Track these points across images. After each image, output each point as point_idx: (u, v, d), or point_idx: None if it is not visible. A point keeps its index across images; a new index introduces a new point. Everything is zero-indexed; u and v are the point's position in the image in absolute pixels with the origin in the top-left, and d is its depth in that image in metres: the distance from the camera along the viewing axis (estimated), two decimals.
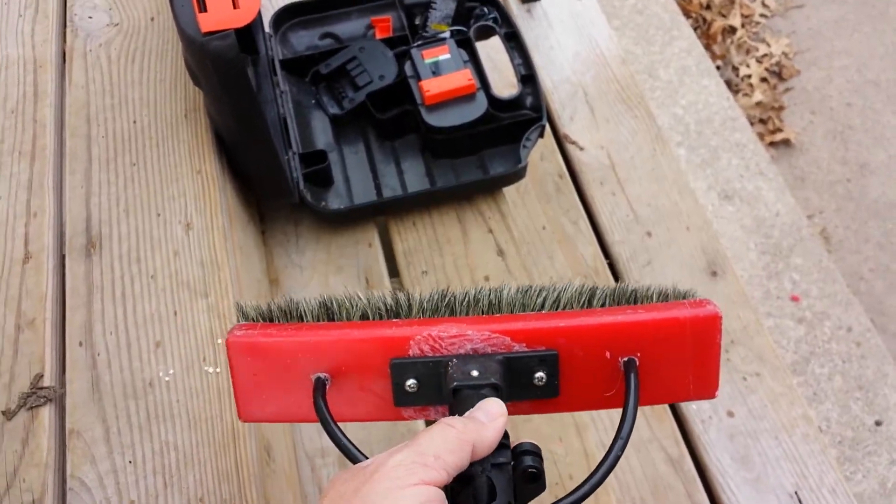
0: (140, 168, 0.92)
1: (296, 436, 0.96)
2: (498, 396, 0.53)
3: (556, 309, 0.58)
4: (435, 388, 0.57)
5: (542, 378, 0.57)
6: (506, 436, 0.52)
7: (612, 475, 1.11)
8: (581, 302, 0.59)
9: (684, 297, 0.58)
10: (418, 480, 0.45)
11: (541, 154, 1.36)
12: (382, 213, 1.13)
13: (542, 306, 0.58)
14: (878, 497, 1.36)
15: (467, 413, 0.51)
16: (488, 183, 1.13)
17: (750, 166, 1.82)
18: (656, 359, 0.57)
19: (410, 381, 0.57)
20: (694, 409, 1.14)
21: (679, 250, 1.27)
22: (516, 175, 1.13)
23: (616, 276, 1.25)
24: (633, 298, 0.59)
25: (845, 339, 1.53)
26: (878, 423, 1.45)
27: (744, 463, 1.11)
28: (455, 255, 1.09)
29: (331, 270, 1.08)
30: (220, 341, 0.79)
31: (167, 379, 0.78)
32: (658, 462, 1.12)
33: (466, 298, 0.59)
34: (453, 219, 1.13)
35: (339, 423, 0.56)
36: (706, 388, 0.59)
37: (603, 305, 0.59)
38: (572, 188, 1.34)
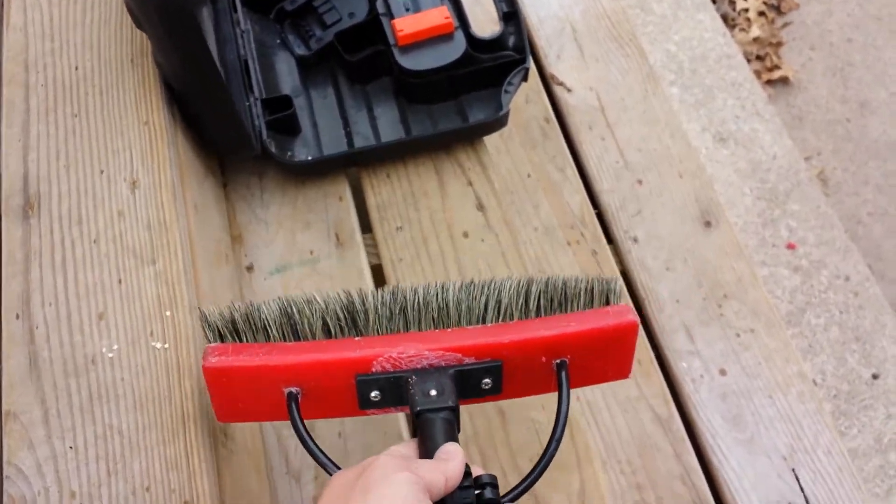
0: (82, 119, 0.84)
1: None
2: (454, 418, 0.64)
3: (498, 309, 0.69)
4: (396, 396, 0.67)
5: (488, 383, 0.68)
6: (466, 465, 0.60)
7: (597, 436, 1.06)
8: (519, 302, 0.69)
9: (608, 293, 0.71)
10: (407, 470, 0.54)
11: (526, 96, 1.27)
12: (354, 165, 1.05)
13: (486, 308, 0.69)
14: (874, 452, 1.33)
15: (434, 458, 0.60)
16: (468, 131, 1.05)
17: (746, 106, 1.73)
18: (583, 358, 0.70)
19: (374, 393, 0.66)
20: (684, 368, 1.09)
21: (671, 198, 1.20)
22: (498, 123, 1.05)
23: (605, 227, 1.18)
24: (564, 294, 0.70)
25: (843, 288, 1.47)
26: (874, 377, 1.40)
27: (736, 423, 1.06)
28: (432, 210, 1.02)
29: (298, 226, 1.01)
30: (168, 313, 0.73)
31: (111, 355, 0.72)
32: (645, 422, 1.07)
33: (417, 301, 0.69)
34: (430, 170, 1.05)
35: (312, 436, 0.65)
36: (621, 373, 0.74)
37: (538, 303, 0.70)
38: (559, 133, 1.26)
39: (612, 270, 1.13)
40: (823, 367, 1.42)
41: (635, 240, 1.16)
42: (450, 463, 0.57)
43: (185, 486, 0.66)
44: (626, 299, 1.12)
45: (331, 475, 0.60)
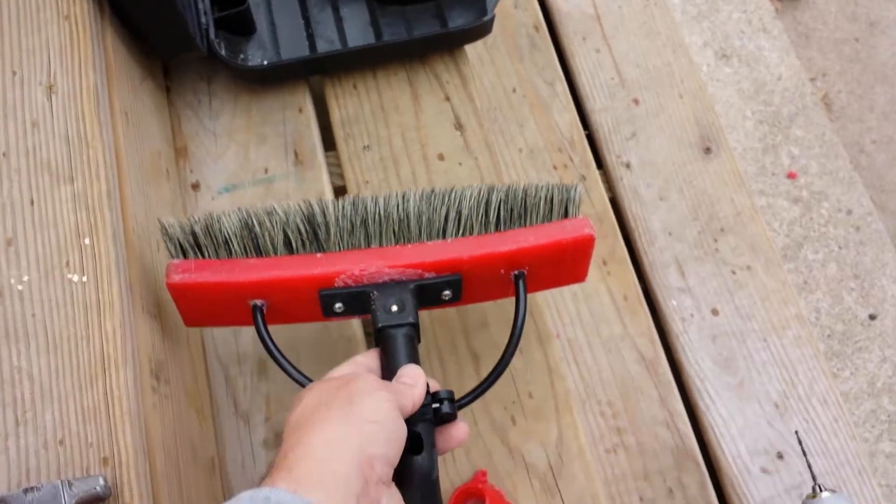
0: None
1: (207, 341, 0.82)
2: (415, 333, 0.66)
3: (458, 221, 0.70)
4: (358, 308, 0.68)
5: (448, 294, 0.70)
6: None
7: (577, 375, 0.99)
8: (479, 213, 0.70)
9: (567, 203, 0.71)
10: (386, 390, 0.58)
11: (514, 1, 1.15)
12: (317, 72, 0.94)
13: (446, 220, 0.69)
14: (866, 396, 1.27)
15: (395, 380, 0.61)
16: (447, 38, 0.93)
17: (752, 21, 1.61)
18: (540, 268, 0.72)
19: (338, 305, 0.68)
20: (674, 306, 1.01)
21: (669, 121, 1.09)
22: (482, 29, 0.93)
23: (595, 150, 1.08)
24: (524, 204, 0.70)
25: (844, 222, 1.39)
26: (871, 317, 1.33)
27: (726, 366, 0.99)
28: (404, 127, 0.91)
29: (252, 139, 0.90)
30: (87, 241, 0.62)
31: (20, 287, 0.62)
32: (629, 362, 0.99)
33: (378, 213, 0.68)
34: (403, 81, 0.94)
35: (278, 347, 0.67)
36: (578, 279, 0.76)
37: (498, 214, 0.70)
38: (550, 43, 1.14)
39: (600, 197, 1.04)
40: (818, 305, 1.34)
41: (628, 165, 1.06)
42: (415, 389, 0.60)
43: (104, 440, 0.58)
44: (604, 216, 1.03)
45: (302, 386, 0.63)
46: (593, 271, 1.02)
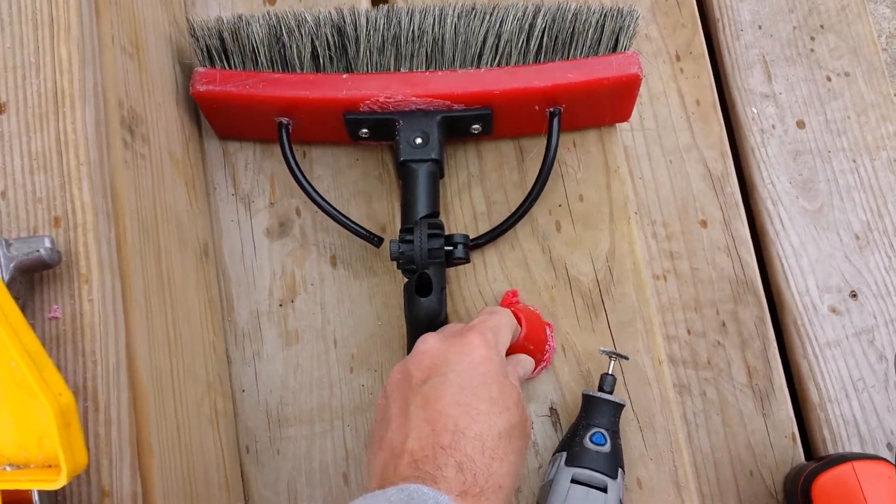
0: None
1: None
2: (437, 169, 0.64)
3: (496, 48, 0.63)
4: (383, 133, 0.65)
5: (477, 128, 0.66)
6: (440, 226, 0.61)
7: (629, 189, 0.85)
8: (520, 39, 0.63)
9: (619, 32, 0.64)
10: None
11: None
12: None
13: (483, 44, 0.63)
14: None
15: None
16: None
17: None
18: (578, 106, 0.66)
19: (363, 130, 0.65)
20: (753, 114, 0.86)
21: None
22: None
23: None
24: (571, 30, 0.64)
25: None
26: None
27: (805, 189, 0.85)
28: None
29: None
30: None
31: None
32: (693, 177, 0.85)
33: (412, 30, 0.63)
34: None
35: (301, 168, 0.65)
36: (620, 118, 0.70)
37: (540, 41, 0.64)
38: None
39: None
40: None
41: None
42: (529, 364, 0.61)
43: (55, 195, 0.45)
44: (683, 1, 0.86)
45: (324, 210, 0.64)
46: (664, 68, 0.86)
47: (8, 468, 0.39)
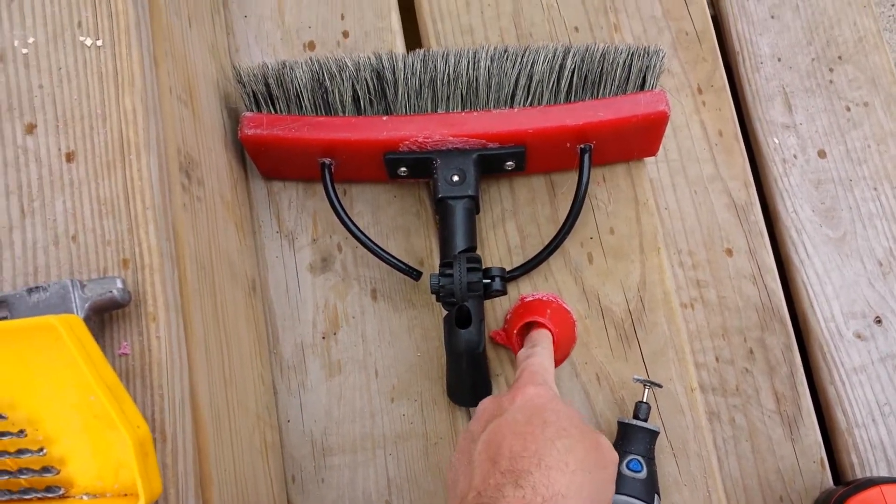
0: None
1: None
2: (474, 206, 0.67)
3: (528, 88, 0.67)
4: (421, 172, 0.68)
5: (511, 164, 0.68)
6: (478, 260, 0.63)
7: (657, 221, 0.87)
8: (551, 79, 0.67)
9: (646, 71, 0.67)
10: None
11: None
12: None
13: (516, 85, 0.67)
14: None
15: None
16: None
17: None
18: (608, 142, 0.68)
19: (402, 169, 0.68)
20: (775, 144, 0.88)
21: None
22: None
23: None
24: (600, 69, 0.67)
25: None
26: None
27: (828, 217, 0.87)
28: None
29: None
30: None
31: (25, 51, 0.51)
32: (718, 207, 0.87)
33: (447, 73, 0.66)
34: None
35: (344, 206, 0.68)
36: (648, 152, 0.73)
37: (571, 80, 0.67)
38: None
39: (701, 13, 0.89)
40: None
41: None
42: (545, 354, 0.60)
43: (123, 238, 0.48)
44: (704, 36, 0.89)
45: (366, 247, 0.67)
46: (686, 101, 0.89)
47: (85, 497, 0.42)
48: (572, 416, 0.50)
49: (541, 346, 0.60)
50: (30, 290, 0.45)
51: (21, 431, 0.43)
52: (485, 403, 0.54)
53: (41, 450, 0.42)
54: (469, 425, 0.53)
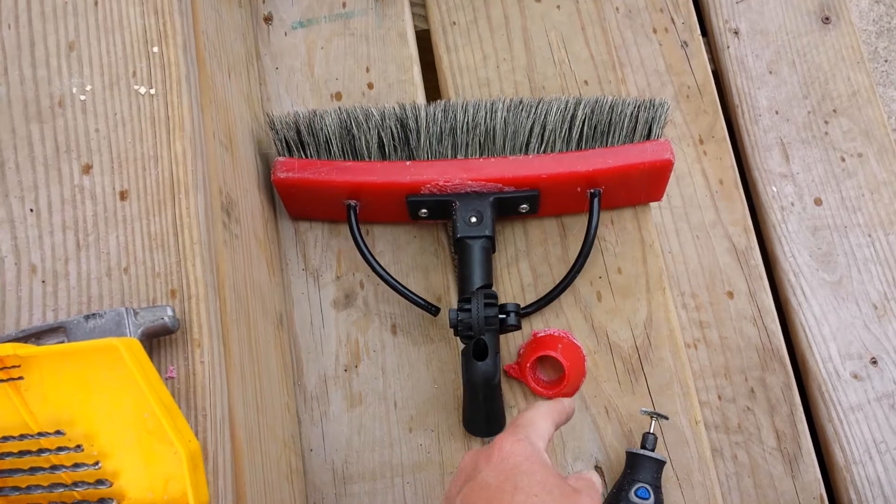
0: None
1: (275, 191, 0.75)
2: (490, 245, 0.71)
3: (542, 136, 0.71)
4: (441, 213, 0.73)
5: (525, 207, 0.73)
6: (495, 296, 0.67)
7: (662, 263, 0.91)
8: (563, 128, 0.71)
9: (652, 122, 0.71)
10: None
11: None
12: None
13: (530, 134, 0.71)
14: None
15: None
16: None
17: None
18: (616, 188, 0.73)
19: (423, 210, 0.73)
20: (773, 193, 0.92)
21: None
22: None
23: (700, 12, 0.97)
24: (609, 119, 0.71)
25: None
26: None
27: (825, 262, 0.91)
28: None
29: None
30: (155, 49, 0.55)
31: (83, 98, 0.55)
32: (719, 252, 0.91)
33: (466, 122, 0.71)
34: None
35: (367, 245, 0.72)
36: (654, 198, 0.77)
37: (581, 129, 0.71)
38: None
39: (702, 67, 0.94)
40: None
41: (736, 32, 0.96)
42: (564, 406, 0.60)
43: (172, 271, 0.52)
44: (704, 89, 0.94)
45: (388, 284, 0.71)
46: (688, 150, 0.94)
47: None
48: (546, 479, 0.49)
49: (542, 406, 0.59)
50: (87, 317, 0.49)
51: (78, 447, 0.46)
52: (465, 460, 0.54)
53: (96, 463, 0.46)
54: (448, 486, 0.53)
